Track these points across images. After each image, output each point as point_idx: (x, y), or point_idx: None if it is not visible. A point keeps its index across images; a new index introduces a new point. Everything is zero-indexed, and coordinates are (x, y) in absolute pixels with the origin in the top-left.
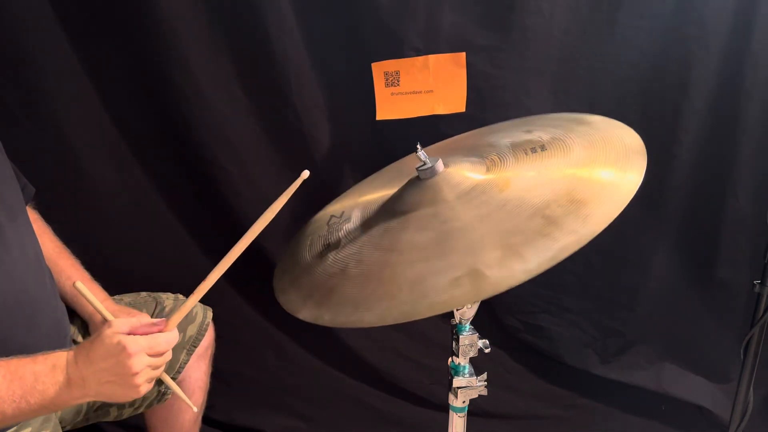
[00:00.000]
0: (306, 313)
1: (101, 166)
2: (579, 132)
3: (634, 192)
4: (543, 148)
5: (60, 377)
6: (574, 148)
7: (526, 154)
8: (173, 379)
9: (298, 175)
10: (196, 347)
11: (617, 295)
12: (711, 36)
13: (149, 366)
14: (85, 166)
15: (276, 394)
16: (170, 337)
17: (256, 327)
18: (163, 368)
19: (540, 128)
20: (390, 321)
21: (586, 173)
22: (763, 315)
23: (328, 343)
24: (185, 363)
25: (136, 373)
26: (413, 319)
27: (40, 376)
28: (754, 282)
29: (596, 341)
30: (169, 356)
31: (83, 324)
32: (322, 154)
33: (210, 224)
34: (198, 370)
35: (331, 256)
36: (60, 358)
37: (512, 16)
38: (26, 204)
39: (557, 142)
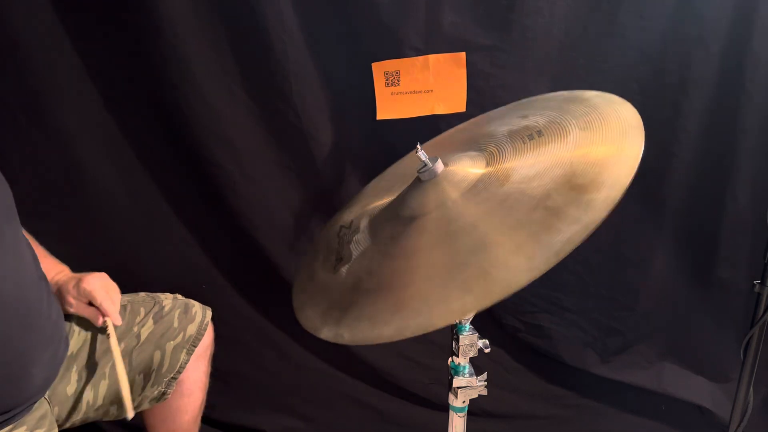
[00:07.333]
0: (326, 333)
1: (102, 167)
2: (574, 112)
3: (635, 169)
4: (540, 133)
5: None
6: (570, 130)
7: (523, 142)
8: (173, 379)
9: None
10: (195, 347)
11: (617, 294)
12: (711, 36)
13: None
14: (85, 167)
15: (276, 394)
16: None
17: (256, 327)
18: None
19: (535, 111)
20: (408, 334)
21: (584, 156)
22: (763, 315)
23: (328, 342)
24: (185, 363)
25: None
26: (429, 330)
27: None
28: (754, 282)
29: (596, 341)
30: None
31: (79, 320)
32: (322, 154)
33: (210, 224)
34: (197, 370)
35: (344, 270)
36: None
37: (512, 16)
38: None
39: (553, 125)
